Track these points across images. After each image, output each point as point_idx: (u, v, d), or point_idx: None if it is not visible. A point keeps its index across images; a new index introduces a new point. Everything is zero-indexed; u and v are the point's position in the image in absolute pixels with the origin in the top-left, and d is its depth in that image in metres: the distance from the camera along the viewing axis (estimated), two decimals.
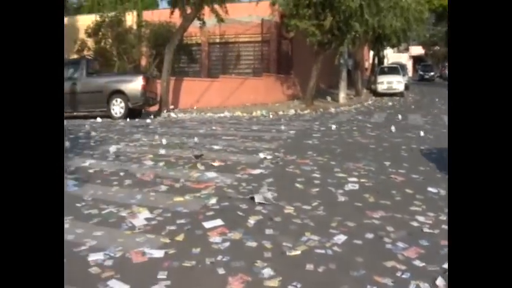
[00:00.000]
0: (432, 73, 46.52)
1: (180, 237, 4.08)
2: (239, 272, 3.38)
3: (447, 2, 29.54)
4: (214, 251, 3.78)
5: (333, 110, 17.85)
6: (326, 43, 17.52)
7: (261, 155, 7.27)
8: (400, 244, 3.88)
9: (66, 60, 19.47)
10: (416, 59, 58.82)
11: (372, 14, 16.56)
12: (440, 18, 41.10)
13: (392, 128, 11.00)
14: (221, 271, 3.42)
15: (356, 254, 3.69)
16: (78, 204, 5.09)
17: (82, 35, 21.99)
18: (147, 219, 4.55)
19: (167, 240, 4.02)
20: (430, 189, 5.54)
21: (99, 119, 14.21)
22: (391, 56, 46.51)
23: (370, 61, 35.38)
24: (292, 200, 5.03)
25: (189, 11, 17.23)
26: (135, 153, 7.61)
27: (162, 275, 3.38)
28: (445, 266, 3.36)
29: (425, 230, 4.23)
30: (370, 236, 4.07)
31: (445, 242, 3.82)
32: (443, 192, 5.37)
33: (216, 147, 8.25)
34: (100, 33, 21.40)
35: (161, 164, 6.90)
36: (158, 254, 3.74)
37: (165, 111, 16.65)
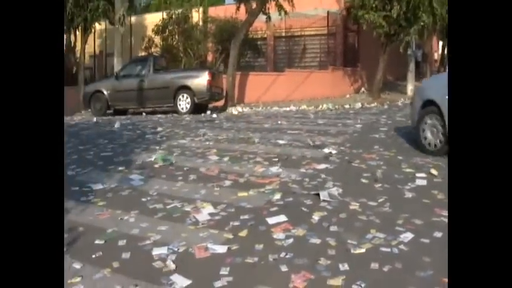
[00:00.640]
0: None
1: (243, 233, 4.06)
2: (302, 270, 3.31)
3: None
4: (278, 247, 3.74)
5: (400, 103, 17.38)
6: (393, 34, 17.10)
7: (327, 150, 7.15)
8: None
9: (134, 58, 20.07)
10: None
11: (440, 4, 15.99)
12: None
13: None
14: (284, 268, 3.36)
15: (423, 253, 3.52)
16: (143, 199, 5.17)
17: (150, 32, 22.50)
18: (210, 214, 4.56)
19: (230, 236, 4.01)
20: None
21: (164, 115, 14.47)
22: None
23: (440, 52, 34.14)
24: (358, 195, 4.90)
25: (254, 5, 17.25)
26: (200, 148, 7.67)
27: (224, 271, 3.37)
28: None
29: None
30: (438, 234, 3.87)
31: None
32: None
33: (281, 141, 8.20)
34: (167, 30, 21.80)
35: (226, 159, 6.92)
36: (221, 249, 3.73)
37: (230, 106, 16.76)
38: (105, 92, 15.96)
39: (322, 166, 6.21)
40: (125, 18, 18.35)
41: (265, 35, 22.60)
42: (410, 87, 20.41)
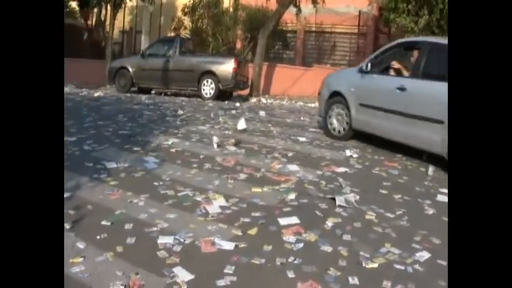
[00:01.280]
0: None
1: (252, 231, 3.93)
2: (309, 278, 3.17)
3: None
4: (287, 251, 3.59)
5: None
6: None
7: (348, 152, 6.95)
8: None
9: (162, 38, 19.99)
10: None
11: None
12: None
13: None
14: (291, 274, 3.22)
15: (439, 276, 3.30)
16: (155, 183, 5.07)
17: (179, 12, 22.40)
18: (221, 207, 4.43)
19: (239, 233, 3.87)
20: None
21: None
22: None
23: None
24: (375, 205, 4.70)
25: None
26: (219, 137, 7.54)
27: (229, 269, 3.25)
28: None
29: None
30: None
31: None
32: None
33: (301, 139, 8.01)
34: (197, 13, 21.67)
35: (243, 150, 6.77)
36: (228, 246, 3.61)
37: (255, 96, 16.61)
38: (130, 69, 15.91)
39: (341, 169, 6.02)
40: None
41: (296, 28, 22.36)
42: None
